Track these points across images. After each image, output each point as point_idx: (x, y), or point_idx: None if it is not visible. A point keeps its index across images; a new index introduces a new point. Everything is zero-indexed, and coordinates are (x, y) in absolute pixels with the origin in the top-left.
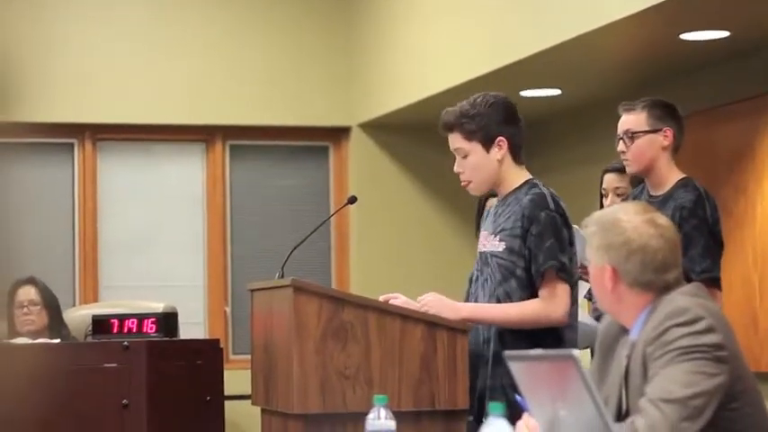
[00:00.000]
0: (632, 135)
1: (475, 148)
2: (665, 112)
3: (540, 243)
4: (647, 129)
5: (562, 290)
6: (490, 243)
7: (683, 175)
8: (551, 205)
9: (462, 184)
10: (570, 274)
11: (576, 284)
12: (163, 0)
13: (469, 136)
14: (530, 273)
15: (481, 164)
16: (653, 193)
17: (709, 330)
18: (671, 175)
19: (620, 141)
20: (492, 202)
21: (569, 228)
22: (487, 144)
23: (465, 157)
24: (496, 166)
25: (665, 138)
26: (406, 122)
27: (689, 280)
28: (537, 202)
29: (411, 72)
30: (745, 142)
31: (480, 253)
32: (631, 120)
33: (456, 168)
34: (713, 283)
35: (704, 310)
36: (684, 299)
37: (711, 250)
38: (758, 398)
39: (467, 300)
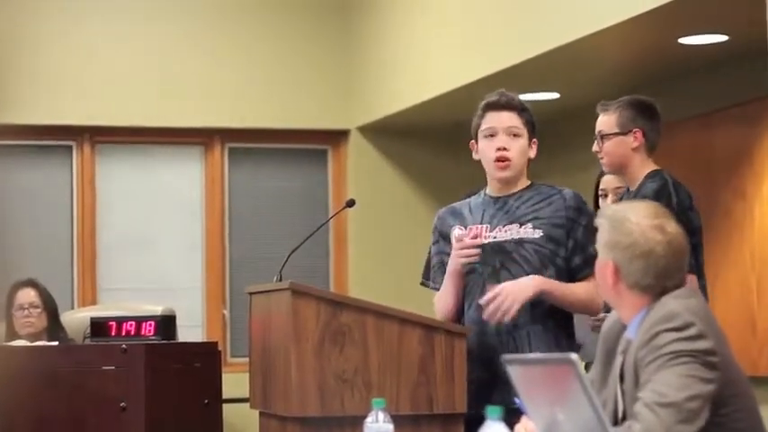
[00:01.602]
0: (603, 137)
1: (525, 136)
2: (636, 113)
3: (591, 234)
4: (616, 131)
5: None
6: (522, 230)
7: (654, 169)
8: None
9: (501, 160)
10: None
11: None
12: (161, 4)
13: (525, 124)
14: (568, 262)
15: (525, 152)
16: (631, 190)
17: (699, 336)
18: (643, 171)
19: (595, 141)
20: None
21: None
22: (529, 139)
23: (515, 136)
24: (526, 160)
25: (634, 139)
26: (405, 126)
27: None
28: (580, 197)
29: (410, 76)
30: (743, 146)
31: (498, 242)
32: (604, 121)
33: (503, 144)
34: None
35: (694, 315)
36: (676, 303)
37: None
38: (751, 402)
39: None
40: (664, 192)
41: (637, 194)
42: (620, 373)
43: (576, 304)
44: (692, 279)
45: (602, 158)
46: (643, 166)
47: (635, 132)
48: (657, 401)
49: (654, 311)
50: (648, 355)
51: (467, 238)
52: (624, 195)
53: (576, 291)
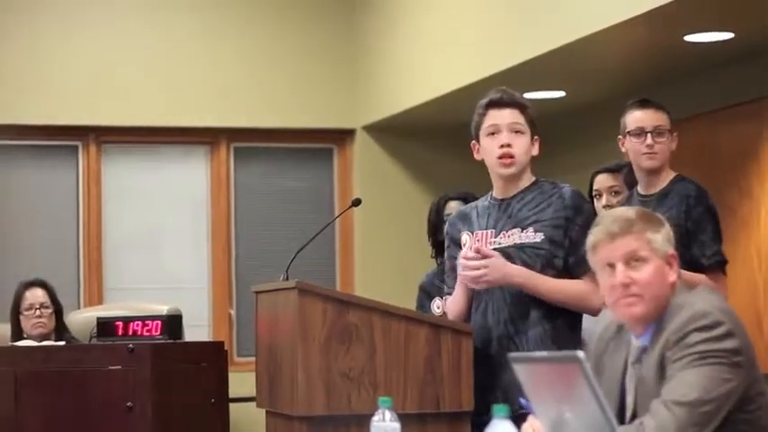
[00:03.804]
0: (662, 132)
1: (527, 134)
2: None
3: (586, 233)
4: (670, 128)
5: None
6: (523, 235)
7: (677, 173)
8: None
9: (505, 158)
10: None
11: None
12: (166, 4)
13: (527, 121)
14: (566, 262)
15: (528, 149)
16: (645, 192)
17: (728, 335)
18: (668, 173)
19: (648, 135)
20: (451, 205)
21: None
22: (531, 137)
23: (517, 133)
24: (530, 158)
25: (672, 140)
26: (411, 125)
27: (698, 265)
28: (579, 194)
29: (415, 74)
30: (749, 144)
31: (502, 247)
32: (661, 117)
33: (506, 140)
34: (722, 267)
35: (723, 314)
36: (705, 302)
37: (718, 236)
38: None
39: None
40: (704, 193)
41: (667, 196)
42: (635, 381)
43: (567, 302)
44: (724, 280)
45: (653, 153)
46: (668, 170)
47: (675, 135)
48: (675, 400)
49: (683, 311)
50: (677, 353)
51: (470, 252)
52: (634, 199)
53: (567, 288)
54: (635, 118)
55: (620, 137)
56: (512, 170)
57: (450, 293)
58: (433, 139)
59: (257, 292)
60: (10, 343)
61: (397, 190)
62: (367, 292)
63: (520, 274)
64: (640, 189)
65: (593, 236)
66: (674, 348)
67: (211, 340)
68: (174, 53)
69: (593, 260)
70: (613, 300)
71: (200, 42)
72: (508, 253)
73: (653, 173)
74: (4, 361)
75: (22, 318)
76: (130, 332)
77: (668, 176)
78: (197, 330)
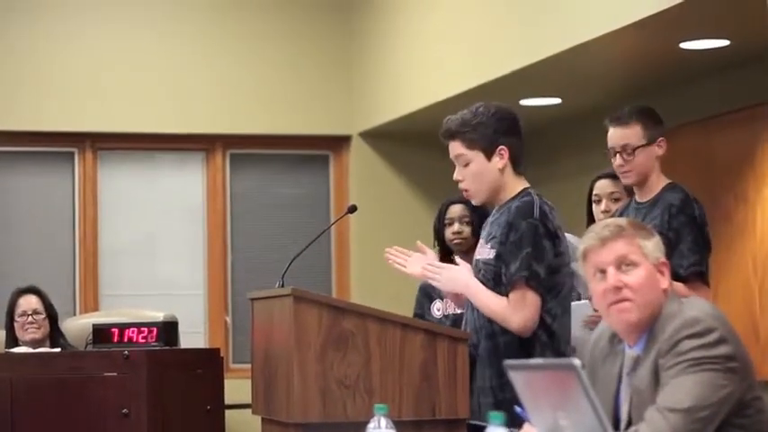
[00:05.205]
0: (633, 150)
1: (476, 157)
2: (655, 121)
3: (516, 251)
4: (645, 142)
5: (531, 300)
6: (483, 250)
7: (670, 181)
8: (536, 214)
9: (462, 192)
10: (542, 284)
11: (555, 293)
12: (162, 10)
13: (471, 144)
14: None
15: (482, 172)
16: (640, 200)
17: (720, 342)
18: (660, 181)
19: (618, 155)
20: (454, 209)
21: (554, 238)
22: (489, 153)
23: (466, 165)
24: (497, 174)
25: (659, 147)
26: (407, 131)
27: (677, 275)
28: (521, 209)
29: (411, 81)
30: (745, 151)
31: (475, 261)
32: (629, 134)
33: (456, 176)
34: (700, 277)
35: (715, 320)
36: (696, 309)
37: (699, 247)
38: (764, 405)
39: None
40: (688, 202)
41: (656, 204)
42: (630, 390)
43: (492, 317)
44: (707, 292)
45: (628, 172)
46: (659, 175)
47: (660, 141)
48: (670, 407)
49: (676, 320)
50: (670, 360)
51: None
52: (631, 206)
53: (490, 304)
54: (608, 137)
55: None
56: (475, 201)
57: None
58: (429, 146)
59: (253, 299)
60: (5, 350)
61: (393, 196)
62: (363, 299)
63: (466, 283)
64: (636, 197)
65: (584, 243)
66: (667, 356)
67: (207, 347)
68: (171, 60)
69: (585, 268)
70: (605, 305)
71: (196, 49)
72: (479, 265)
73: (641, 183)
74: (0, 367)
75: (15, 324)
76: (126, 339)
77: (660, 184)
78: (193, 337)
